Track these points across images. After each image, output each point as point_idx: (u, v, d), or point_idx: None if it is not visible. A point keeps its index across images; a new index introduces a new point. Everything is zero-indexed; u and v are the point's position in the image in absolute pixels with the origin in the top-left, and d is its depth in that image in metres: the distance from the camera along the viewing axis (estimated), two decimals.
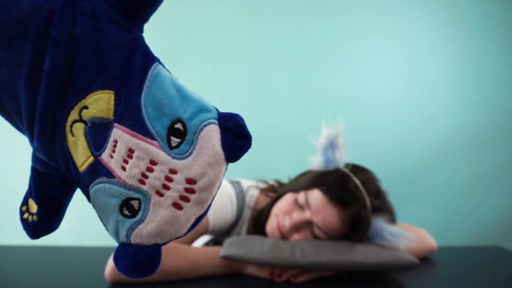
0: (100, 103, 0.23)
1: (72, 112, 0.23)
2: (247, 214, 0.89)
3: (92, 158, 0.24)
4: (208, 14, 1.90)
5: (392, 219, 0.78)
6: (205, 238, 0.92)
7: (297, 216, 0.77)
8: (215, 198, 0.72)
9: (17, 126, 0.27)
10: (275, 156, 1.87)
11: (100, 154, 0.24)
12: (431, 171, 1.90)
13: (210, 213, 0.80)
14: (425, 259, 0.88)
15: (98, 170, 0.24)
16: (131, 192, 0.23)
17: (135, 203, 0.24)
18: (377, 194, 0.79)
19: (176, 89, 0.24)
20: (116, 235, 0.25)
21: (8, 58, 0.23)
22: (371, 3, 1.90)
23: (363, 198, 0.75)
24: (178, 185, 0.23)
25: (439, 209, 1.90)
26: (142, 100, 0.23)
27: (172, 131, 0.23)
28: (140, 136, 0.23)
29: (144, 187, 0.23)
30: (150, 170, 0.23)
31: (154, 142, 0.23)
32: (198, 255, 0.72)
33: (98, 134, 0.23)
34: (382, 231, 0.75)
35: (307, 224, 0.78)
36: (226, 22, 1.90)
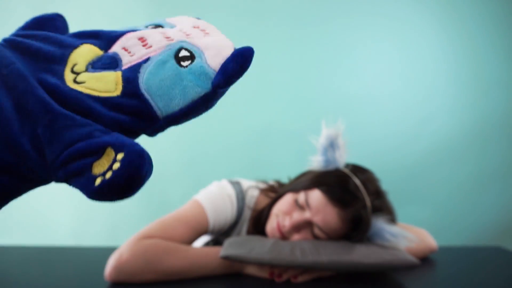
0: (84, 50, 0.24)
1: (65, 76, 0.23)
2: (247, 214, 0.89)
3: (118, 73, 0.23)
4: (209, 14, 1.89)
5: (392, 219, 0.78)
6: (205, 238, 0.92)
7: (297, 216, 0.77)
8: (215, 198, 0.73)
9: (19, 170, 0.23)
10: (275, 156, 1.87)
11: (122, 66, 0.23)
12: (431, 171, 1.90)
13: (210, 213, 0.80)
14: (425, 259, 0.88)
15: (132, 71, 0.23)
16: (172, 47, 0.24)
17: (184, 51, 0.24)
18: (377, 194, 0.79)
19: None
20: (201, 79, 0.24)
21: None
22: (371, 4, 1.90)
23: (363, 198, 0.75)
24: (192, 30, 0.26)
25: (439, 209, 1.90)
26: (116, 31, 0.26)
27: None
28: (136, 29, 0.25)
29: (175, 40, 0.25)
30: (166, 34, 0.25)
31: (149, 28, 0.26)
32: (198, 255, 0.72)
33: (104, 61, 0.24)
34: (382, 231, 0.75)
35: (307, 224, 0.78)
36: (227, 22, 1.90)
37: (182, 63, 0.24)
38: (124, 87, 0.22)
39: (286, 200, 0.81)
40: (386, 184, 0.84)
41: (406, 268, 0.70)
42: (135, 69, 0.23)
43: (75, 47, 0.24)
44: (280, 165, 1.76)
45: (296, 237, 0.78)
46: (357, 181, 0.76)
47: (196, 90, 0.24)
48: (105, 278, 0.67)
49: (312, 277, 0.72)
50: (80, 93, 0.22)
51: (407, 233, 0.74)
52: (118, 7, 1.90)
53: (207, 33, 0.27)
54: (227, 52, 0.25)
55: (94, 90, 0.22)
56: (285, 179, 0.95)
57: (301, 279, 0.71)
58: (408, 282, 0.73)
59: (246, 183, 0.93)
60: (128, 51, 0.24)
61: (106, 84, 0.22)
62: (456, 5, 1.89)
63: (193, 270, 0.70)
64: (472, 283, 0.74)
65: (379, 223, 0.75)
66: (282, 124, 1.90)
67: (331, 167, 0.80)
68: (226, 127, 1.89)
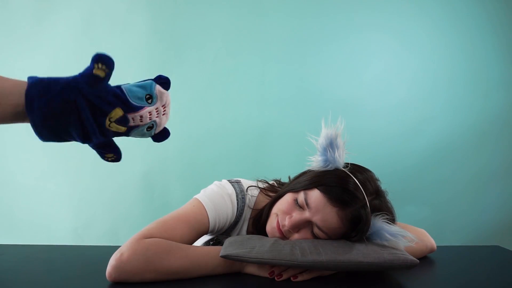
0: (117, 113, 0.47)
1: (106, 121, 0.47)
2: (247, 213, 0.89)
3: (124, 128, 0.49)
4: (209, 14, 1.90)
5: (391, 219, 0.78)
6: (205, 238, 0.92)
7: (297, 215, 0.78)
8: (216, 197, 0.77)
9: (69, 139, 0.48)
10: (275, 156, 1.87)
11: (128, 125, 0.49)
12: (431, 171, 1.90)
13: (210, 213, 0.81)
14: (425, 259, 0.89)
15: (129, 129, 0.50)
16: (148, 123, 0.51)
17: (150, 125, 0.52)
18: (377, 193, 0.79)
19: (136, 87, 0.50)
20: (149, 136, 0.54)
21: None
22: (372, 4, 1.91)
23: (362, 198, 0.75)
24: (161, 108, 0.52)
25: (438, 209, 1.91)
26: (131, 101, 0.49)
27: (146, 98, 0.50)
28: (136, 111, 0.50)
29: (152, 119, 0.51)
30: (151, 114, 0.51)
31: (143, 108, 0.50)
32: (198, 255, 0.72)
33: (123, 121, 0.48)
34: (381, 231, 0.75)
35: (307, 224, 0.78)
36: (227, 22, 1.90)
37: (148, 129, 0.52)
38: (126, 131, 0.50)
39: (286, 199, 0.81)
40: (386, 183, 0.84)
41: (405, 267, 0.70)
42: (132, 128, 0.50)
43: (113, 108, 0.47)
44: (280, 165, 1.77)
45: (296, 236, 0.79)
46: (356, 181, 0.76)
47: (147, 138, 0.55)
48: (106, 277, 0.67)
49: (312, 276, 0.72)
50: (110, 132, 0.49)
51: (407, 233, 0.75)
52: (118, 7, 1.91)
53: (165, 112, 0.53)
54: (162, 127, 0.55)
55: (117, 131, 0.49)
56: (285, 179, 0.96)
57: (301, 278, 0.71)
58: (408, 282, 0.73)
59: (246, 182, 0.93)
60: (133, 120, 0.49)
61: (121, 130, 0.49)
62: (456, 5, 1.90)
63: (193, 269, 0.71)
64: (471, 282, 0.74)
65: (379, 223, 0.75)
66: (282, 124, 1.90)
67: (331, 166, 0.80)
68: (226, 128, 1.89)
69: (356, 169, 0.81)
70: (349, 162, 0.82)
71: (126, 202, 1.92)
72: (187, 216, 0.79)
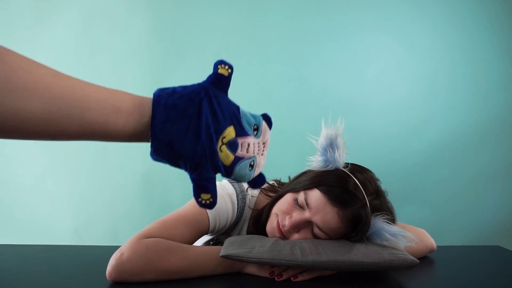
0: (230, 133, 0.45)
1: (218, 142, 0.44)
2: (247, 213, 0.89)
3: (232, 156, 0.46)
4: (209, 14, 1.90)
5: (391, 219, 0.78)
6: (205, 238, 0.92)
7: (297, 215, 0.78)
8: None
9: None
10: (275, 156, 1.87)
11: (235, 153, 0.46)
12: (431, 171, 1.90)
13: (210, 213, 0.81)
14: (425, 259, 0.89)
15: (237, 160, 0.47)
16: (251, 158, 0.48)
17: (252, 163, 0.49)
18: (377, 193, 0.79)
19: (249, 114, 0.49)
20: (249, 178, 0.50)
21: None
22: (372, 4, 1.91)
23: (362, 198, 0.75)
24: (261, 146, 0.50)
25: (438, 209, 1.91)
26: (244, 124, 0.47)
27: (253, 128, 0.48)
28: (249, 134, 0.48)
29: (254, 153, 0.49)
30: (254, 147, 0.48)
31: (250, 136, 0.48)
32: (198, 255, 0.72)
33: (232, 145, 0.46)
34: (381, 231, 0.75)
35: (307, 224, 0.78)
36: (227, 22, 1.90)
37: (250, 168, 0.49)
38: (231, 164, 0.46)
39: (286, 199, 0.81)
40: (386, 183, 0.84)
41: (405, 267, 0.70)
42: (238, 159, 0.47)
43: (228, 125, 0.45)
44: (280, 165, 1.76)
45: (296, 236, 0.79)
46: (356, 181, 0.76)
47: (246, 181, 0.51)
48: (106, 277, 0.67)
49: (312, 277, 0.72)
50: (219, 160, 0.45)
51: (407, 233, 0.75)
52: (118, 7, 1.91)
53: (263, 152, 0.52)
54: (260, 170, 0.52)
55: (223, 159, 0.45)
56: (285, 179, 0.96)
57: (301, 278, 0.71)
58: (408, 282, 0.73)
59: None
60: (241, 147, 0.47)
61: (227, 159, 0.46)
62: (456, 5, 1.90)
63: (193, 269, 0.71)
64: (471, 282, 0.74)
65: (379, 223, 0.75)
66: (282, 124, 1.90)
67: (331, 167, 0.80)
68: None
69: (356, 169, 0.81)
70: (349, 162, 0.82)
71: (126, 202, 1.92)
72: (187, 216, 0.79)
